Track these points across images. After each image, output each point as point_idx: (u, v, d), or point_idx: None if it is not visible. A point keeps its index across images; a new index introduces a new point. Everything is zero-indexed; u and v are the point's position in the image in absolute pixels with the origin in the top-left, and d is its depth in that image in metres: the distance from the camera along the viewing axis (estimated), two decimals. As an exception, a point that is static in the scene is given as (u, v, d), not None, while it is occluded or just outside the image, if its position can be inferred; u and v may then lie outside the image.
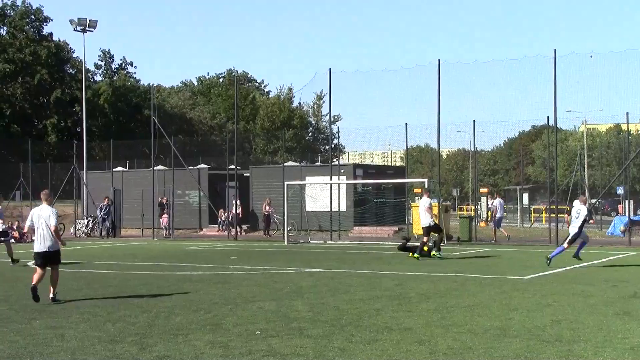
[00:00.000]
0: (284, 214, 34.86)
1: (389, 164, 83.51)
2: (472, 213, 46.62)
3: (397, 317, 11.74)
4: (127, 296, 14.89)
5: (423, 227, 24.34)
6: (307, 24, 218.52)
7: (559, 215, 33.90)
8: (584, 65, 42.48)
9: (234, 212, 38.58)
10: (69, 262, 22.72)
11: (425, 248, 23.70)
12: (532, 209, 56.62)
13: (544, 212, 51.28)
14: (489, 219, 45.50)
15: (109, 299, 14.42)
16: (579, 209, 19.97)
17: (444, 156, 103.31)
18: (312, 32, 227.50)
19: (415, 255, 23.20)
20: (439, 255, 23.43)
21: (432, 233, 24.38)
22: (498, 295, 14.54)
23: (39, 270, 14.26)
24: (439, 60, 32.18)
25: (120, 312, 12.61)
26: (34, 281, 13.94)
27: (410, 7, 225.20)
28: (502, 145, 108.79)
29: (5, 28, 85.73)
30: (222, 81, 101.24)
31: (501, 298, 14.07)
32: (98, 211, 41.74)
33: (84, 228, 42.49)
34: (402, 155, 49.49)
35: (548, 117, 33.47)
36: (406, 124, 35.31)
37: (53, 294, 14.15)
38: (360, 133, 56.08)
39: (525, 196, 58.02)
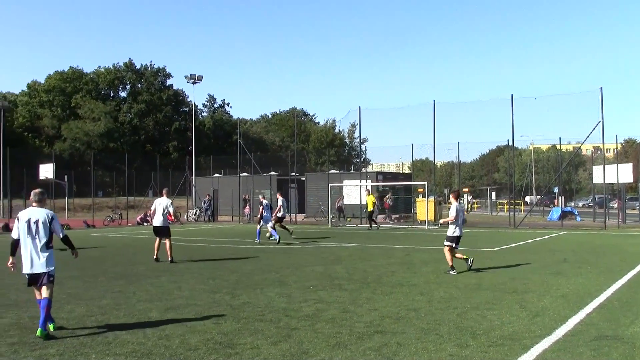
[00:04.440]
0: (329, 206, 34.76)
1: (401, 172, 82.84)
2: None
3: (406, 277, 11.69)
4: (222, 260, 15.06)
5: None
6: (345, 72, 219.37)
7: (515, 206, 33.51)
8: (531, 104, 42.07)
9: (338, 205, 36.31)
10: (183, 238, 23.04)
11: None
12: (497, 202, 56.25)
13: (506, 204, 50.96)
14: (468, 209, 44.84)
15: (209, 263, 14.60)
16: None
17: (438, 166, 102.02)
18: (348, 79, 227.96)
19: None
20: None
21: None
22: (475, 261, 14.37)
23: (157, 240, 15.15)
24: (434, 100, 31.77)
25: (217, 272, 12.75)
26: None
27: (417, 57, 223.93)
28: (477, 158, 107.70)
29: (143, 82, 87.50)
30: (287, 115, 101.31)
31: (477, 263, 13.90)
32: (202, 204, 42.11)
33: (193, 215, 42.83)
34: (409, 166, 49.10)
35: (508, 139, 33.53)
36: (412, 144, 34.80)
37: (170, 257, 14.58)
38: (381, 150, 56.41)
39: (493, 194, 57.72)
